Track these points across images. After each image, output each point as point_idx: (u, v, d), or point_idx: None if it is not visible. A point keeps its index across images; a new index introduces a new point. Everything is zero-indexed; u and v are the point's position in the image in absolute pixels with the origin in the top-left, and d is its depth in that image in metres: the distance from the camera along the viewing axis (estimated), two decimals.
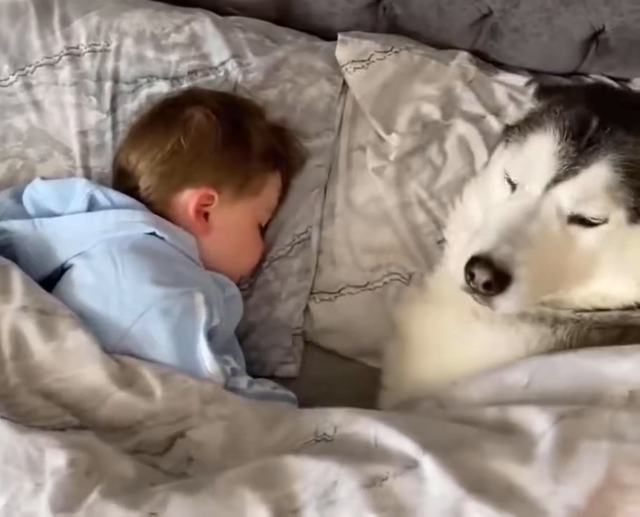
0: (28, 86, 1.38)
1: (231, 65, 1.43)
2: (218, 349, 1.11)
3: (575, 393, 0.95)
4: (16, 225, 1.20)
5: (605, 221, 1.02)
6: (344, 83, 1.47)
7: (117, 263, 1.13)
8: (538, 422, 0.88)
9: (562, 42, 1.45)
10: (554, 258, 1.03)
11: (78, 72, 1.39)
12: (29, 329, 1.03)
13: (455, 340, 1.13)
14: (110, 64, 1.40)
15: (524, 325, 1.08)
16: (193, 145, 1.25)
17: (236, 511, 0.85)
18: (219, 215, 1.27)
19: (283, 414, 1.01)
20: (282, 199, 1.38)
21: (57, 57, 1.39)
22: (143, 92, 1.40)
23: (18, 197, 1.26)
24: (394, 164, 1.40)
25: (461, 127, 1.43)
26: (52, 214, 1.22)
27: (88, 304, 1.11)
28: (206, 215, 1.27)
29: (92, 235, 1.17)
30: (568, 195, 1.02)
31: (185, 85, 1.40)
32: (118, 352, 1.06)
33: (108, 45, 1.41)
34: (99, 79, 1.39)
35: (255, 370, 1.28)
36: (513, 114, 1.39)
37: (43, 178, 1.29)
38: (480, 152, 1.41)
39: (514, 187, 1.08)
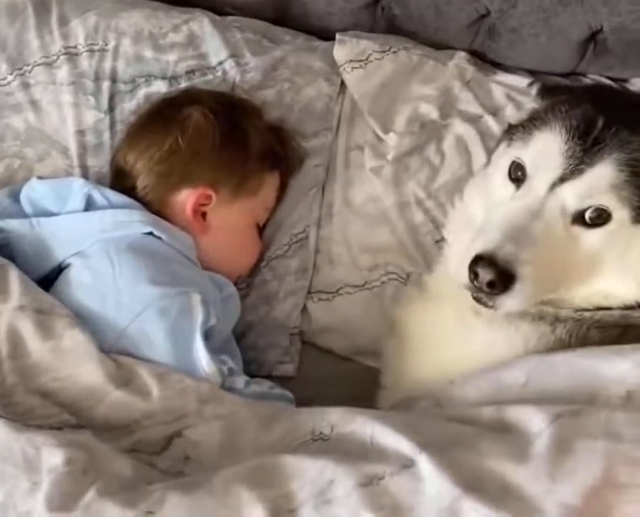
0: (26, 85, 1.39)
1: (229, 65, 1.43)
2: (215, 349, 1.11)
3: (573, 392, 0.95)
4: (13, 225, 1.20)
5: (609, 221, 1.03)
6: (342, 83, 1.47)
7: (114, 263, 1.13)
8: (535, 421, 0.88)
9: (559, 43, 1.45)
10: (557, 258, 1.03)
11: (76, 72, 1.39)
12: (27, 328, 1.04)
13: (454, 339, 1.13)
14: (108, 64, 1.40)
15: (523, 324, 1.08)
16: (191, 144, 1.26)
17: (233, 510, 0.85)
18: (216, 215, 1.28)
19: (280, 414, 1.01)
20: (280, 198, 1.38)
21: (54, 57, 1.39)
22: (141, 92, 1.40)
23: (15, 197, 1.26)
24: (392, 164, 1.40)
25: (459, 127, 1.43)
26: (49, 213, 1.22)
27: (85, 303, 1.11)
28: (204, 215, 1.27)
29: (90, 234, 1.17)
30: (573, 194, 1.03)
31: (183, 84, 1.40)
32: (115, 352, 1.06)
33: (106, 45, 1.41)
34: (97, 78, 1.39)
35: (253, 369, 1.28)
36: (512, 114, 1.40)
37: (40, 177, 1.29)
38: (478, 152, 1.41)
39: (517, 186, 1.08)
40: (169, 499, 0.86)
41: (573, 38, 1.44)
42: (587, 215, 1.03)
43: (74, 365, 1.02)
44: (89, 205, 1.21)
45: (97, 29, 1.42)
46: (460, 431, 0.91)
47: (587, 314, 1.07)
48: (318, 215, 1.40)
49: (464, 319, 1.12)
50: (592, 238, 1.03)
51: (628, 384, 0.93)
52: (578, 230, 1.03)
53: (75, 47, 1.40)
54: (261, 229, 1.36)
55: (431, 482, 0.83)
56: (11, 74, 1.39)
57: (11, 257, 1.17)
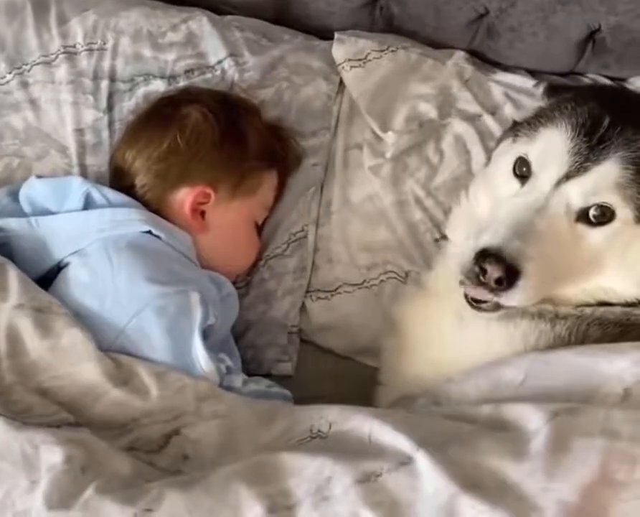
0: (24, 84, 1.38)
1: (227, 64, 1.43)
2: (213, 347, 1.11)
3: (570, 390, 0.95)
4: (12, 224, 1.20)
5: (612, 219, 1.03)
6: (341, 82, 1.47)
7: (113, 262, 1.13)
8: (532, 419, 0.88)
9: (558, 42, 1.46)
10: (560, 255, 1.03)
11: (75, 71, 1.39)
12: (25, 326, 1.04)
13: (452, 337, 1.13)
14: (106, 63, 1.40)
15: (522, 321, 1.08)
16: (189, 143, 1.26)
17: (231, 507, 0.85)
18: (215, 214, 1.28)
19: (278, 412, 1.01)
20: (278, 197, 1.38)
21: (53, 56, 1.39)
22: (140, 91, 1.40)
23: (14, 196, 1.26)
24: (391, 162, 1.40)
25: (458, 126, 1.43)
26: (48, 212, 1.22)
27: (84, 302, 1.11)
28: (202, 214, 1.27)
29: (89, 233, 1.17)
30: (578, 192, 1.03)
31: (182, 83, 1.40)
32: (114, 351, 1.06)
33: (105, 44, 1.41)
34: (96, 77, 1.39)
35: (251, 368, 1.28)
36: (511, 113, 1.41)
37: (39, 176, 1.29)
38: (476, 151, 1.41)
39: (522, 182, 1.09)
40: (168, 496, 0.86)
41: (572, 37, 1.45)
42: (591, 213, 1.03)
43: (73, 363, 1.02)
44: (88, 204, 1.21)
45: (96, 28, 1.41)
46: (458, 429, 0.91)
47: (587, 310, 1.07)
48: (317, 214, 1.40)
49: (463, 317, 1.12)
50: (595, 236, 1.04)
51: (626, 382, 0.93)
52: (582, 228, 1.04)
53: (74, 46, 1.40)
54: (260, 228, 1.36)
55: (429, 479, 0.83)
56: (10, 73, 1.38)
57: (10, 256, 1.17)
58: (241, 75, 1.43)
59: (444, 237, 1.35)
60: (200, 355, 1.07)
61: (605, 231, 1.04)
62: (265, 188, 1.34)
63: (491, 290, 1.01)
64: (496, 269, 0.99)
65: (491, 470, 0.83)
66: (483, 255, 1.00)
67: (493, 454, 0.85)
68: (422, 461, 0.84)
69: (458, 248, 1.20)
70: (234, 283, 1.29)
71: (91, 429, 0.97)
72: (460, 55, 1.49)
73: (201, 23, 1.45)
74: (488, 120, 1.43)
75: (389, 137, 1.41)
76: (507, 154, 1.15)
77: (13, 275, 1.09)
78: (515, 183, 1.10)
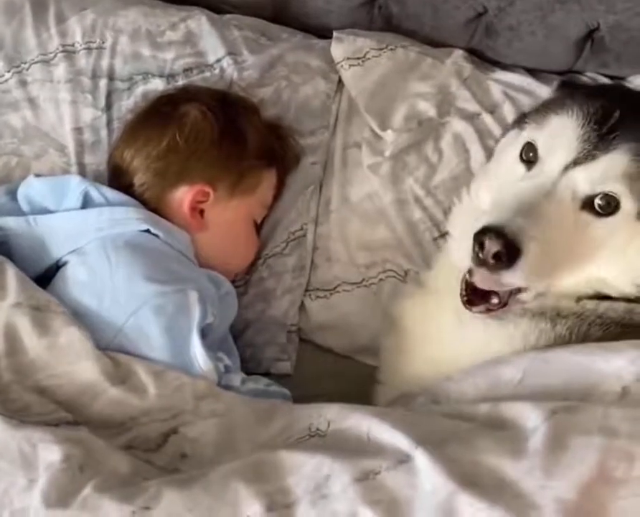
0: (23, 83, 1.38)
1: (226, 63, 1.43)
2: (212, 346, 1.11)
3: (568, 388, 0.95)
4: (10, 222, 1.20)
5: (617, 211, 1.03)
6: (340, 81, 1.47)
7: (111, 260, 1.13)
8: (530, 417, 0.88)
9: (557, 40, 1.45)
10: (562, 241, 1.03)
11: (73, 70, 1.39)
12: (23, 325, 1.04)
13: (452, 335, 1.13)
14: (105, 62, 1.40)
15: (522, 320, 1.08)
16: (188, 142, 1.26)
17: (230, 505, 0.85)
18: (214, 212, 1.28)
19: (276, 410, 1.01)
20: (277, 196, 1.38)
21: (52, 54, 1.39)
22: (139, 90, 1.40)
23: (13, 194, 1.26)
24: (390, 161, 1.40)
25: (457, 125, 1.43)
26: (46, 211, 1.22)
27: (82, 300, 1.11)
28: (201, 212, 1.27)
29: (87, 232, 1.17)
30: (585, 178, 1.03)
31: (180, 82, 1.40)
32: (112, 349, 1.06)
33: (104, 42, 1.41)
34: (94, 76, 1.39)
35: (250, 367, 1.28)
36: (510, 111, 1.41)
37: (38, 175, 1.29)
38: (475, 150, 1.41)
39: (528, 167, 1.09)
40: (166, 494, 0.86)
41: (570, 36, 1.44)
42: (596, 202, 1.03)
43: (71, 362, 1.02)
44: (86, 203, 1.21)
45: (95, 26, 1.41)
46: (457, 427, 0.91)
47: (589, 306, 1.07)
48: (316, 212, 1.40)
49: (463, 316, 1.12)
50: (598, 226, 1.04)
51: (624, 380, 0.93)
52: (586, 216, 1.04)
53: (73, 45, 1.40)
54: (259, 227, 1.36)
55: (427, 477, 0.83)
56: (9, 71, 1.38)
57: (9, 255, 1.17)
58: (240, 74, 1.42)
59: (443, 236, 1.35)
60: (198, 354, 1.07)
61: (609, 223, 1.03)
62: (264, 187, 1.34)
63: (491, 268, 1.00)
64: (494, 244, 0.97)
65: (490, 468, 0.83)
66: (484, 231, 0.99)
67: (492, 452, 0.84)
68: (421, 459, 0.84)
69: (458, 243, 1.20)
70: (233, 282, 1.29)
71: (89, 428, 0.97)
72: (459, 54, 1.49)
73: (200, 22, 1.45)
74: (487, 119, 1.43)
75: (388, 136, 1.41)
76: (515, 141, 1.15)
77: (11, 273, 1.09)
78: (521, 167, 1.10)
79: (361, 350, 1.37)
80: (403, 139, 1.41)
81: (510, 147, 1.16)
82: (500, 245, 0.98)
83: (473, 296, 1.08)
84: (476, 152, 1.41)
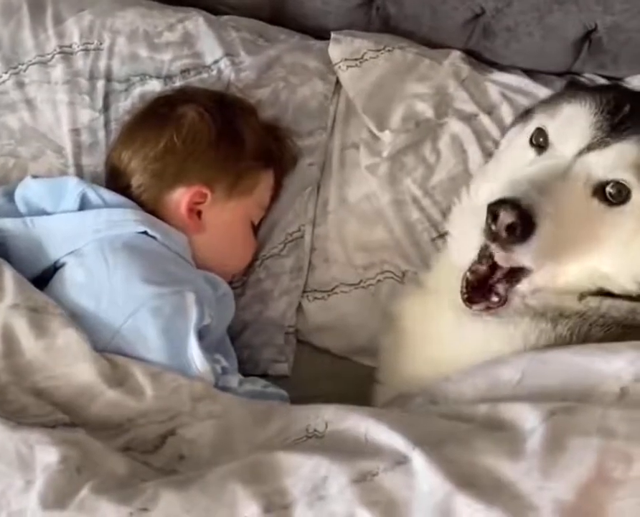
0: (20, 84, 1.38)
1: (224, 64, 1.43)
2: (209, 348, 1.11)
3: (567, 389, 0.95)
4: (7, 224, 1.20)
5: (627, 201, 1.03)
6: (337, 82, 1.47)
7: (108, 262, 1.13)
8: (529, 418, 0.88)
9: (554, 41, 1.46)
10: (573, 225, 1.03)
11: (71, 71, 1.39)
12: (20, 327, 1.03)
13: (452, 335, 1.13)
14: (102, 63, 1.40)
15: (522, 320, 1.08)
16: (185, 143, 1.25)
17: (227, 506, 0.85)
18: (211, 214, 1.27)
19: (274, 411, 1.01)
20: (274, 197, 1.38)
21: (49, 56, 1.39)
22: (136, 91, 1.40)
23: (10, 196, 1.26)
24: (388, 161, 1.40)
25: (454, 126, 1.43)
26: (44, 212, 1.22)
27: (80, 302, 1.11)
28: (199, 214, 1.27)
29: (84, 233, 1.17)
30: (599, 163, 1.04)
31: (178, 83, 1.40)
32: (110, 351, 1.06)
33: (101, 44, 1.41)
34: (92, 77, 1.39)
35: (248, 368, 1.28)
36: (507, 112, 1.41)
37: (35, 176, 1.29)
38: (473, 150, 1.41)
39: (539, 152, 1.09)
40: (163, 496, 0.86)
41: (568, 37, 1.45)
42: (607, 190, 1.04)
43: (68, 363, 1.02)
44: (83, 204, 1.21)
45: (92, 27, 1.41)
46: (454, 428, 0.91)
47: (592, 303, 1.07)
48: (314, 213, 1.40)
49: (462, 316, 1.12)
50: (607, 215, 1.04)
51: (623, 381, 0.93)
52: (597, 204, 1.04)
53: (70, 46, 1.40)
54: (256, 228, 1.36)
55: (424, 478, 0.83)
56: (6, 73, 1.38)
57: (6, 256, 1.16)
58: (237, 75, 1.42)
59: (441, 236, 1.35)
60: (196, 356, 1.07)
61: (618, 212, 1.04)
62: (262, 188, 1.34)
63: (502, 242, 0.99)
64: (509, 215, 0.97)
65: (487, 469, 0.83)
66: (498, 203, 0.98)
67: (490, 453, 0.84)
68: (418, 460, 0.84)
69: (458, 242, 1.20)
70: (230, 283, 1.29)
71: (86, 430, 0.97)
72: (456, 55, 1.49)
73: (197, 23, 1.45)
74: (485, 120, 1.43)
75: (386, 136, 1.41)
76: (521, 132, 1.17)
77: (8, 275, 1.09)
78: (531, 152, 1.11)
79: (358, 351, 1.37)
80: (401, 140, 1.41)
81: (517, 137, 1.17)
82: (515, 217, 0.97)
83: (474, 294, 1.08)
84: (474, 153, 1.41)
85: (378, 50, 1.47)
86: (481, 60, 1.52)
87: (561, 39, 1.45)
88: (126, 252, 1.15)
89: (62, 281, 1.15)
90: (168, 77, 1.41)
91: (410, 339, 1.19)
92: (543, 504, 0.79)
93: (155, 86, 1.40)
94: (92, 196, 1.21)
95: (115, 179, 1.29)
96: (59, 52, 1.39)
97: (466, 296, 1.08)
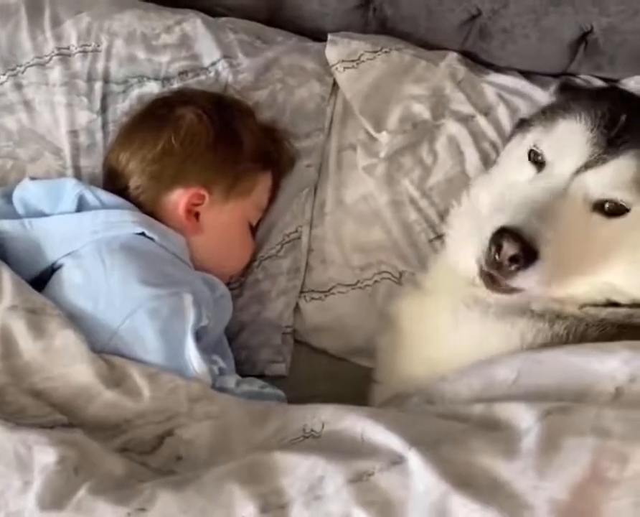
0: (18, 86, 1.38)
1: (221, 66, 1.43)
2: (206, 349, 1.12)
3: (562, 389, 0.95)
4: (5, 225, 1.20)
5: (627, 211, 1.04)
6: (335, 84, 1.47)
7: (106, 263, 1.13)
8: (524, 418, 0.88)
9: (550, 43, 1.46)
10: (576, 243, 1.03)
11: (69, 72, 1.39)
12: (18, 328, 1.04)
13: (449, 335, 1.13)
14: (100, 65, 1.40)
15: (520, 320, 1.08)
16: (183, 145, 1.26)
17: (224, 507, 0.85)
18: (209, 215, 1.28)
19: (271, 411, 1.01)
20: (272, 199, 1.38)
21: (47, 58, 1.39)
22: (134, 93, 1.40)
23: (8, 197, 1.26)
24: (385, 162, 1.41)
25: (451, 127, 1.43)
26: (41, 214, 1.22)
27: (77, 303, 1.11)
28: (197, 215, 1.27)
29: (82, 235, 1.17)
30: (597, 182, 1.04)
31: (176, 85, 1.40)
32: (107, 352, 1.06)
33: (99, 46, 1.41)
34: (89, 79, 1.39)
35: (245, 369, 1.28)
36: (504, 114, 1.42)
37: (33, 178, 1.29)
38: (470, 152, 1.41)
39: (538, 168, 1.09)
40: (161, 496, 0.86)
41: (564, 39, 1.45)
42: (606, 205, 1.04)
43: (66, 364, 1.02)
44: (81, 206, 1.21)
45: (90, 29, 1.41)
46: (450, 428, 0.91)
47: (592, 311, 1.07)
48: (311, 215, 1.40)
49: (459, 316, 1.12)
50: (610, 227, 1.04)
51: (618, 381, 0.93)
52: (597, 218, 1.05)
53: (68, 48, 1.40)
54: (254, 229, 1.36)
55: (420, 478, 0.83)
56: (4, 74, 1.38)
57: (4, 258, 1.17)
58: (235, 77, 1.43)
59: (439, 237, 1.35)
60: (193, 357, 1.08)
61: (620, 223, 1.04)
62: (259, 189, 1.34)
63: (506, 273, 1.00)
64: (512, 247, 0.98)
65: (483, 469, 0.83)
66: (501, 233, 0.99)
67: (485, 453, 0.85)
68: (414, 460, 0.85)
69: (457, 245, 1.21)
70: (228, 284, 1.29)
71: (84, 430, 0.97)
72: (453, 56, 1.50)
73: (195, 25, 1.45)
74: (482, 121, 1.43)
75: (383, 137, 1.42)
76: (519, 144, 1.16)
77: (6, 276, 1.10)
78: (530, 169, 1.10)
79: (356, 351, 1.37)
80: (398, 141, 1.42)
81: (515, 149, 1.17)
82: (518, 249, 0.98)
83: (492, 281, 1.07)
84: (471, 154, 1.41)
85: (375, 52, 1.47)
86: (477, 62, 1.53)
87: (557, 41, 1.45)
88: (124, 253, 1.15)
89: (59, 283, 1.15)
90: (166, 79, 1.41)
91: (407, 339, 1.19)
92: (538, 503, 0.80)
93: (153, 88, 1.40)
94: (89, 197, 1.21)
95: (112, 181, 1.29)
96: (57, 54, 1.40)
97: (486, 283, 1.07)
